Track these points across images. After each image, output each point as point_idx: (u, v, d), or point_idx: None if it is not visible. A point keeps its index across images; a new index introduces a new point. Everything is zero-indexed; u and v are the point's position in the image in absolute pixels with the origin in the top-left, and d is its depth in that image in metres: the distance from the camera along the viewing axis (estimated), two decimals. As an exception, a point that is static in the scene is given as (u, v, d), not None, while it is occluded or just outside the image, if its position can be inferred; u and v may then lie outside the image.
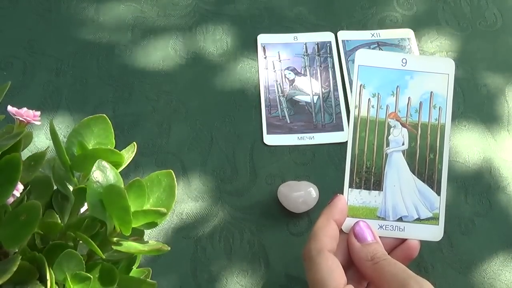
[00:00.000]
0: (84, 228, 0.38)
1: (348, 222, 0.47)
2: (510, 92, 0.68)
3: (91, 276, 0.36)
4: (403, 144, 0.49)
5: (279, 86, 0.68)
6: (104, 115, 0.41)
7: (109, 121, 0.41)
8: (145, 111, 0.65)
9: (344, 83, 0.68)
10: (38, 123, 0.40)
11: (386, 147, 0.49)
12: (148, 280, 0.42)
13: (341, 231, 0.47)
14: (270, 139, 0.64)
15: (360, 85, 0.48)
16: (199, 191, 0.60)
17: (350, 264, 0.46)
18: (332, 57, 0.70)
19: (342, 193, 0.48)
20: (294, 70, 0.69)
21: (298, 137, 0.64)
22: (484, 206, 0.60)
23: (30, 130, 0.51)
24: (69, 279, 0.36)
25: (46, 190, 0.41)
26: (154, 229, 0.52)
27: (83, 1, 0.73)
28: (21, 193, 0.35)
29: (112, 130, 0.41)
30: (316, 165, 0.62)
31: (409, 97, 0.49)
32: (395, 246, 0.48)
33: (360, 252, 0.46)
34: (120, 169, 0.39)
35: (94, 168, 0.36)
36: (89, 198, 0.36)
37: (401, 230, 0.48)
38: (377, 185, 0.48)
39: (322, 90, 0.68)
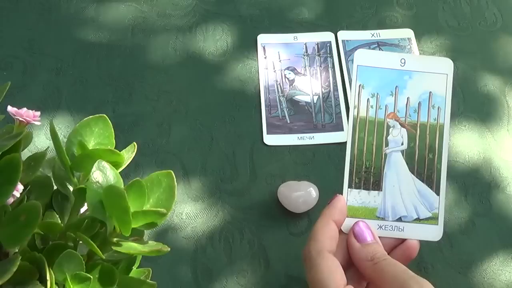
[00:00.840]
0: (84, 229, 0.38)
1: (348, 223, 0.47)
2: (510, 92, 0.68)
3: (91, 277, 0.36)
4: (402, 144, 0.49)
5: (279, 86, 0.68)
6: (104, 115, 0.41)
7: (109, 121, 0.41)
8: (145, 111, 0.65)
9: (344, 83, 0.68)
10: (38, 123, 0.40)
11: (385, 147, 0.49)
12: (148, 280, 0.42)
13: (340, 231, 0.47)
14: (270, 139, 0.64)
15: (359, 85, 0.48)
16: (199, 191, 0.60)
17: (350, 265, 0.46)
18: (332, 57, 0.70)
19: (342, 193, 0.48)
20: (294, 70, 0.69)
21: (298, 137, 0.64)
22: (484, 206, 0.60)
23: (30, 130, 0.51)
24: (69, 280, 0.36)
25: (46, 190, 0.41)
26: (154, 229, 0.52)
27: (83, 1, 0.73)
28: (21, 194, 0.35)
29: (112, 130, 0.41)
30: (316, 165, 0.62)
31: (408, 97, 0.49)
32: (395, 246, 0.48)
33: (360, 252, 0.46)
34: (120, 169, 0.39)
35: (94, 168, 0.36)
36: (89, 199, 0.36)
37: (400, 230, 0.48)
38: (377, 185, 0.48)
39: (322, 90, 0.68)
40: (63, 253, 0.35)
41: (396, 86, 0.49)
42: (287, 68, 0.69)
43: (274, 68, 0.69)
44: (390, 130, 0.49)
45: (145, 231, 0.40)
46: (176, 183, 0.39)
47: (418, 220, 0.48)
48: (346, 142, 0.48)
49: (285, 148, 0.63)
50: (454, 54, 0.70)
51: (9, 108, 0.40)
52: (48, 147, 0.44)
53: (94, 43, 0.70)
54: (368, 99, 0.48)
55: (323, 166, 0.62)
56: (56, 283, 0.35)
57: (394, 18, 0.73)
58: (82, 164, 0.39)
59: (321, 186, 0.59)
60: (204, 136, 0.64)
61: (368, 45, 0.71)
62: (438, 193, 0.49)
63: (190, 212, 0.59)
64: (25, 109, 0.40)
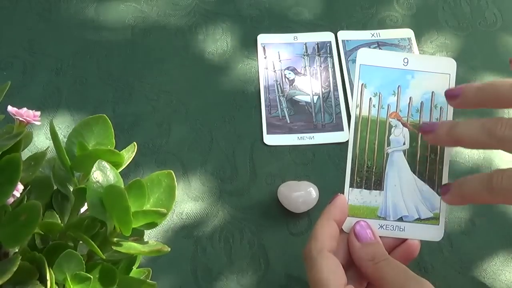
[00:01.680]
0: (84, 228, 0.38)
1: (349, 222, 0.47)
2: (510, 92, 0.68)
3: (91, 277, 0.36)
4: (404, 144, 0.49)
5: (279, 86, 0.68)
6: (104, 115, 0.41)
7: (109, 121, 0.41)
8: (145, 111, 0.65)
9: (344, 83, 0.68)
10: (38, 123, 0.40)
11: (387, 146, 0.49)
12: (148, 280, 0.42)
13: (341, 230, 0.47)
14: (270, 139, 0.64)
15: (362, 85, 0.48)
16: (199, 191, 0.60)
17: (351, 264, 0.46)
18: (332, 57, 0.70)
19: (343, 193, 0.48)
20: (294, 70, 0.69)
21: (298, 137, 0.64)
22: (484, 206, 0.60)
23: (30, 130, 0.51)
24: (69, 279, 0.36)
25: (46, 190, 0.40)
26: (154, 229, 0.52)
27: (83, 1, 0.73)
28: (21, 193, 0.35)
29: (112, 130, 0.41)
30: (316, 165, 0.62)
31: (410, 97, 0.49)
32: (396, 246, 0.48)
33: (361, 252, 0.45)
34: (120, 169, 0.39)
35: (94, 168, 0.36)
36: (89, 198, 0.36)
37: (401, 230, 0.48)
38: (378, 184, 0.48)
39: (322, 90, 0.68)
40: (63, 253, 0.35)
41: (399, 86, 0.49)
42: (287, 68, 0.69)
43: (274, 68, 0.69)
44: (392, 129, 0.49)
45: (145, 231, 0.40)
46: (176, 183, 0.39)
47: (419, 220, 0.48)
48: (346, 142, 0.48)
49: (285, 148, 0.63)
50: (454, 54, 0.70)
51: (9, 108, 0.40)
52: (48, 147, 0.44)
53: (94, 43, 0.70)
54: (370, 98, 0.48)
55: (323, 166, 0.62)
56: (56, 283, 0.35)
57: (394, 18, 0.73)
58: (82, 164, 0.39)
59: (321, 186, 0.59)
60: (204, 136, 0.64)
61: (368, 45, 0.71)
62: (439, 194, 0.48)
63: (190, 212, 0.59)
64: (25, 109, 0.40)
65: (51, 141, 0.39)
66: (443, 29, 0.73)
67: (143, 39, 0.71)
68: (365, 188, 0.48)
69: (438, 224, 0.48)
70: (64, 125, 0.64)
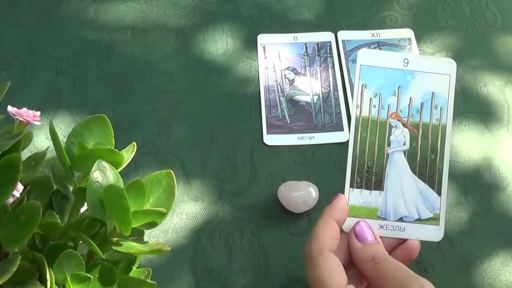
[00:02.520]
0: (84, 228, 0.38)
1: (349, 222, 0.47)
2: (510, 92, 0.68)
3: (91, 276, 0.36)
4: (404, 144, 0.49)
5: (279, 86, 0.68)
6: (104, 115, 0.41)
7: (109, 121, 0.41)
8: (145, 111, 0.65)
9: (344, 83, 0.68)
10: (38, 123, 0.40)
11: (387, 147, 0.49)
12: (148, 280, 0.42)
13: (341, 230, 0.47)
14: (270, 139, 0.64)
15: (362, 85, 0.48)
16: (199, 191, 0.60)
17: (351, 264, 0.46)
18: (332, 57, 0.70)
19: (343, 193, 0.48)
20: (294, 70, 0.69)
21: (298, 137, 0.64)
22: (484, 206, 0.60)
23: (30, 130, 0.51)
24: (69, 279, 0.36)
25: (46, 190, 0.40)
26: (154, 229, 0.52)
27: (83, 1, 0.73)
28: (21, 193, 0.35)
29: (112, 130, 0.41)
30: (316, 165, 0.62)
31: (410, 97, 0.49)
32: (396, 246, 0.48)
33: (361, 252, 0.45)
34: (120, 169, 0.39)
35: (94, 168, 0.36)
36: (89, 198, 0.36)
37: (401, 230, 0.48)
38: (378, 185, 0.48)
39: (322, 90, 0.68)
40: (63, 253, 0.35)
41: (399, 86, 0.49)
42: (287, 68, 0.69)
43: (274, 68, 0.69)
44: (393, 130, 0.49)
45: (145, 231, 0.40)
46: (176, 183, 0.39)
47: (419, 220, 0.48)
48: (346, 142, 0.48)
49: (285, 148, 0.63)
50: (454, 54, 0.70)
51: (9, 108, 0.40)
52: (48, 147, 0.44)
53: (94, 43, 0.70)
54: (370, 98, 0.48)
55: (323, 166, 0.62)
56: (56, 283, 0.35)
57: (394, 18, 0.73)
58: (82, 164, 0.39)
59: (321, 186, 0.59)
60: (204, 136, 0.64)
61: (368, 45, 0.71)
62: (439, 194, 0.48)
63: (190, 212, 0.59)
64: (25, 109, 0.40)
65: (51, 141, 0.39)
66: (443, 29, 0.73)
67: (143, 39, 0.71)
68: (365, 189, 0.48)
69: (438, 225, 0.48)
70: (64, 125, 0.64)
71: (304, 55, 0.70)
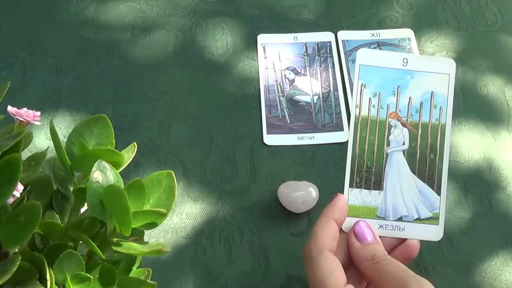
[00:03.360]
0: (84, 228, 0.38)
1: (348, 222, 0.47)
2: (510, 92, 0.68)
3: (91, 277, 0.36)
4: (403, 143, 0.49)
5: (279, 86, 0.68)
6: (104, 115, 0.41)
7: (109, 121, 0.41)
8: (145, 111, 0.65)
9: (344, 83, 0.68)
10: (38, 123, 0.40)
11: (387, 146, 0.49)
12: (148, 280, 0.42)
13: (341, 230, 0.47)
14: (270, 139, 0.64)
15: (361, 85, 0.48)
16: (199, 191, 0.60)
17: (350, 264, 0.46)
18: (332, 57, 0.70)
19: (343, 193, 0.48)
20: (294, 70, 0.69)
21: (298, 137, 0.64)
22: (484, 206, 0.60)
23: (30, 130, 0.51)
24: (69, 280, 0.36)
25: (46, 190, 0.41)
26: (154, 229, 0.52)
27: (83, 1, 0.73)
28: (21, 194, 0.35)
29: (112, 130, 0.41)
30: (316, 165, 0.62)
31: (410, 97, 0.49)
32: (395, 246, 0.48)
33: (360, 251, 0.46)
34: (120, 169, 0.39)
35: (94, 168, 0.36)
36: (89, 198, 0.36)
37: (401, 230, 0.48)
38: (378, 184, 0.48)
39: (322, 90, 0.68)
40: (63, 253, 0.35)
41: (398, 86, 0.49)
42: (287, 68, 0.69)
43: (274, 68, 0.69)
44: (392, 129, 0.49)
45: (145, 231, 0.40)
46: (176, 183, 0.39)
47: (418, 220, 0.48)
48: (346, 142, 0.48)
49: (285, 148, 0.63)
50: (454, 54, 0.70)
51: (9, 108, 0.40)
52: (48, 147, 0.44)
53: (94, 43, 0.70)
54: (370, 98, 0.48)
55: (323, 166, 0.62)
56: (56, 283, 0.35)
57: (394, 18, 0.73)
58: (82, 164, 0.39)
59: (321, 186, 0.59)
60: (204, 136, 0.64)
61: (368, 45, 0.71)
62: (439, 193, 0.48)
63: (190, 212, 0.59)
64: (25, 109, 0.40)
65: (51, 141, 0.40)
66: (443, 29, 0.73)
67: (143, 39, 0.71)
68: (364, 188, 0.48)
69: (438, 224, 0.48)
70: (64, 125, 0.64)
71: (304, 55, 0.70)
